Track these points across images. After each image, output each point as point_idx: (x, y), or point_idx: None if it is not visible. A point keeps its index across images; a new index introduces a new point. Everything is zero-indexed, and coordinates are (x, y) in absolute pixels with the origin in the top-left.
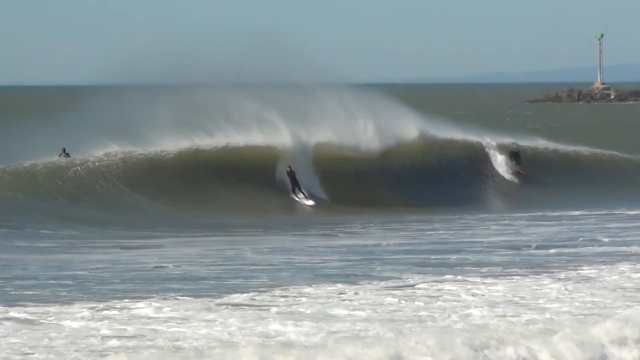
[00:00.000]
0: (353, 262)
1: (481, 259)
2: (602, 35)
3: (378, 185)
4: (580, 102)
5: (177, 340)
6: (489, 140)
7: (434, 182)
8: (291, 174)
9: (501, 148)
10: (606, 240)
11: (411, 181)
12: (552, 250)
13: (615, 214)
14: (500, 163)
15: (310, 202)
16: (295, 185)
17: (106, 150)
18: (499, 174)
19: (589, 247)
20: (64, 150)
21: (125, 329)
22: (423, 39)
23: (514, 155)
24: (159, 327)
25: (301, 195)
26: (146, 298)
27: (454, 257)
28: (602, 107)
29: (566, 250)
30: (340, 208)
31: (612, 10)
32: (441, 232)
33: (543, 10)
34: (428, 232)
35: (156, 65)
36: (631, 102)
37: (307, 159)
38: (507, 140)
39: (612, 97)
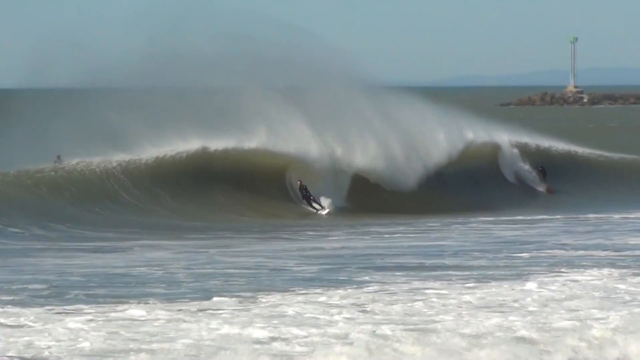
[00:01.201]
0: (332, 267)
1: (459, 262)
2: (575, 39)
3: (402, 191)
4: (553, 106)
5: (170, 343)
6: (505, 139)
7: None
8: (302, 189)
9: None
10: (576, 243)
11: (431, 186)
12: (526, 254)
13: (581, 217)
14: (510, 164)
15: (326, 211)
16: (309, 198)
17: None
18: (505, 177)
19: (562, 251)
20: (59, 157)
21: (117, 333)
22: (394, 42)
23: (540, 171)
24: (149, 330)
25: (317, 207)
26: (127, 302)
27: (429, 261)
28: (575, 111)
29: (540, 254)
30: (354, 214)
31: (585, 13)
32: (398, 235)
33: (516, 13)
34: (386, 236)
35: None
36: (604, 106)
37: (341, 186)
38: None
39: (585, 100)
